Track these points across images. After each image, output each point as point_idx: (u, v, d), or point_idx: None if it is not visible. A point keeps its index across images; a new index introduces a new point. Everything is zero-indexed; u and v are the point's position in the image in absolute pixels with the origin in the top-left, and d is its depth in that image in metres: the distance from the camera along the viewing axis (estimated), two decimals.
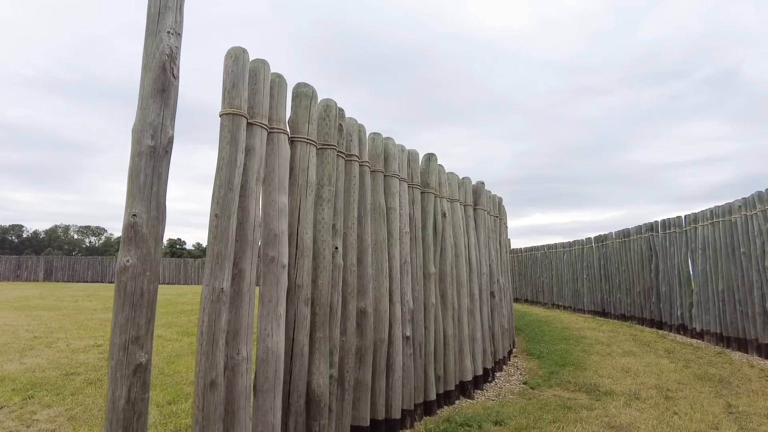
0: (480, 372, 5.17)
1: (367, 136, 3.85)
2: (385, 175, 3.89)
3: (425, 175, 4.51)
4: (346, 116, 3.46)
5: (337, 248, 3.15)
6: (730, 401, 4.53)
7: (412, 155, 4.31)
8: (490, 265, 6.06)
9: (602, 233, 13.70)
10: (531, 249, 19.26)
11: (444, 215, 4.73)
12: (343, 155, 3.32)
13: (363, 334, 3.40)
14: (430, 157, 4.57)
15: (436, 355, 4.37)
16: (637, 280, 11.56)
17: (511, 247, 21.46)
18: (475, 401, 4.69)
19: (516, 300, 20.32)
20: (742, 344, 7.61)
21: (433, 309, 4.32)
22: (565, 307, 16.02)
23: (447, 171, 5.14)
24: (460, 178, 5.46)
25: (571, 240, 15.85)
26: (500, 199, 6.97)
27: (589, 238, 14.44)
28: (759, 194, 7.03)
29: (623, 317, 12.33)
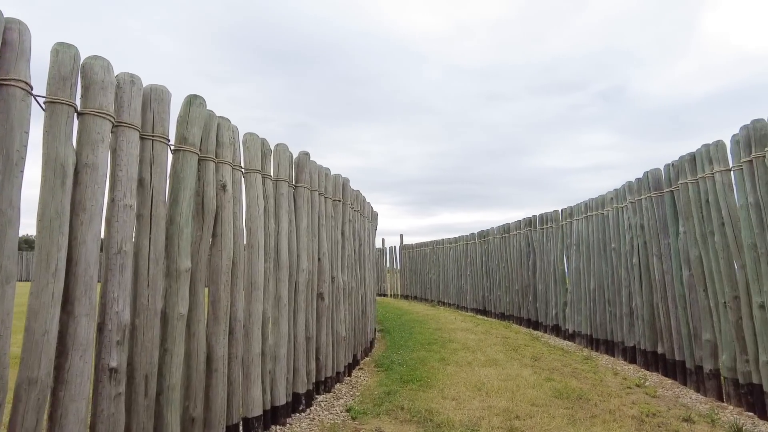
0: (284, 401, 3.88)
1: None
2: (79, 111, 2.43)
3: (183, 126, 3.10)
4: None
5: None
6: None
7: (155, 92, 2.87)
8: (320, 259, 4.79)
9: (485, 229, 13.15)
10: (421, 245, 18.57)
11: (224, 188, 3.36)
12: None
13: None
14: (192, 101, 3.16)
15: (188, 390, 2.99)
16: (516, 278, 11.03)
17: (404, 242, 20.75)
18: None
19: (405, 297, 19.62)
20: (610, 347, 7.06)
21: (181, 322, 2.93)
22: (450, 305, 15.42)
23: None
24: (272, 145, 4.12)
25: (457, 236, 15.25)
26: (346, 181, 5.74)
27: (473, 234, 13.87)
28: (629, 184, 6.45)
29: (502, 316, 11.80)
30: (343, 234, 5.57)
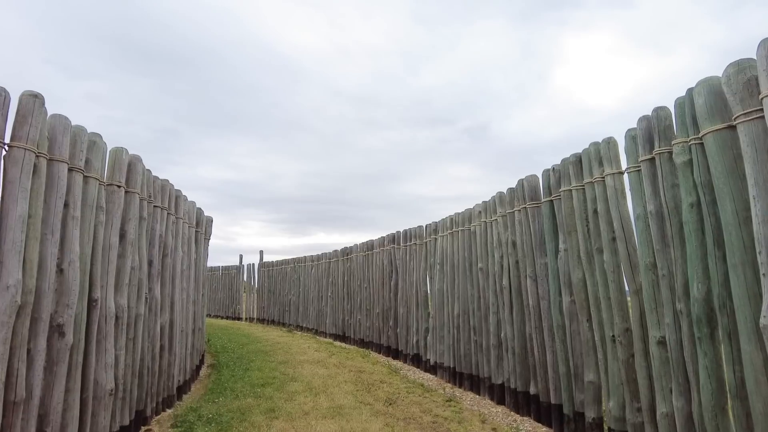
0: None
1: None
2: None
3: None
4: None
5: None
6: None
7: None
8: (63, 270, 3.04)
9: (349, 245, 11.95)
10: (281, 263, 16.83)
11: None
12: None
13: None
14: None
15: None
16: (378, 300, 9.91)
17: (264, 260, 18.77)
18: None
19: (262, 321, 17.64)
20: (475, 383, 6.11)
21: None
22: (309, 330, 13.88)
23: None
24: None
25: (320, 253, 13.86)
26: (134, 159, 4.01)
27: (336, 251, 12.59)
28: (500, 195, 5.62)
29: (362, 343, 10.58)
30: (124, 236, 3.83)
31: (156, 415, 4.61)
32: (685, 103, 2.86)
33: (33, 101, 2.76)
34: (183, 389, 5.59)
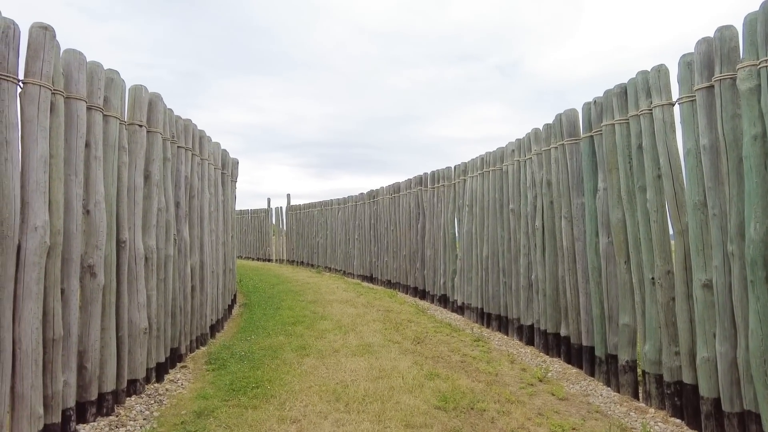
0: None
1: None
2: None
3: None
4: None
5: None
6: None
7: None
8: (89, 211, 3.02)
9: (375, 188, 11.83)
10: (309, 206, 16.92)
11: None
12: None
13: None
14: None
15: None
16: (405, 242, 9.89)
17: (291, 203, 18.95)
18: None
19: (292, 263, 18.02)
20: (503, 324, 6.09)
21: None
22: (337, 271, 14.11)
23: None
24: None
25: (346, 196, 13.82)
26: (155, 97, 3.89)
27: (362, 194, 12.51)
28: (536, 132, 5.33)
29: (389, 284, 10.69)
30: (148, 177, 3.77)
31: (191, 353, 4.75)
32: (758, 19, 2.54)
33: (43, 34, 2.62)
34: (216, 328, 5.75)
